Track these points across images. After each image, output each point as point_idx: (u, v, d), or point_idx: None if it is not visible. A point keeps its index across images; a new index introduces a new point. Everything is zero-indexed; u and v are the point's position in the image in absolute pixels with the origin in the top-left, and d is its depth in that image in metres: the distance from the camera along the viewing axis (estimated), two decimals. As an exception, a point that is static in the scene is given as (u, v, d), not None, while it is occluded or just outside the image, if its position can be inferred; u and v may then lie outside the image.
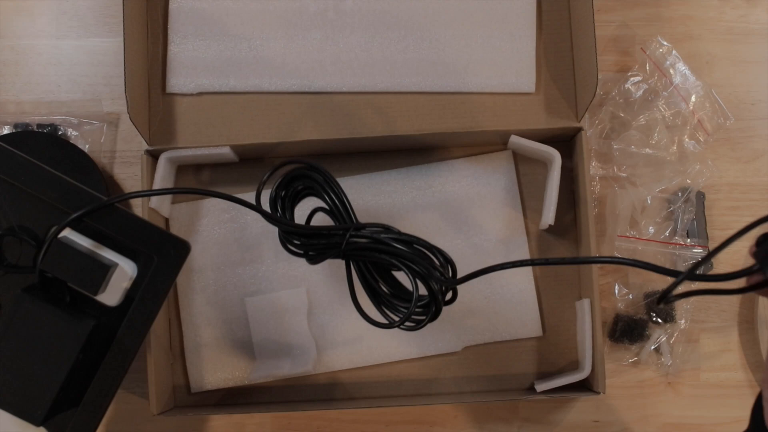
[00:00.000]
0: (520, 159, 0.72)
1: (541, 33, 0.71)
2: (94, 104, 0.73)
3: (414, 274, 0.55)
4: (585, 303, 0.67)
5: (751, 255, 0.48)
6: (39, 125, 0.71)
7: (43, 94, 0.73)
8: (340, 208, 0.59)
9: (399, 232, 0.57)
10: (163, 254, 0.48)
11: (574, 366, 0.69)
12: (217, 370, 0.70)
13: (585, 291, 0.68)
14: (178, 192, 0.67)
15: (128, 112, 0.63)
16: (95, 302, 0.47)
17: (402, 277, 0.57)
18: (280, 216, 0.59)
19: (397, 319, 0.57)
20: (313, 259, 0.60)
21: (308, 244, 0.59)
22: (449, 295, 0.57)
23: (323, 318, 0.70)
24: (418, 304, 0.56)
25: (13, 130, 0.71)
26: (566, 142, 0.71)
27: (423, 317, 0.56)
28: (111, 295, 0.48)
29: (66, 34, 0.74)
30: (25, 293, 0.45)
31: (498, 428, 0.70)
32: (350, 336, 0.70)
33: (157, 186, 0.66)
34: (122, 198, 0.50)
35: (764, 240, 0.47)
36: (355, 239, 0.57)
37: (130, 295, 0.48)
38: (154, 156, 0.68)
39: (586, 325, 0.66)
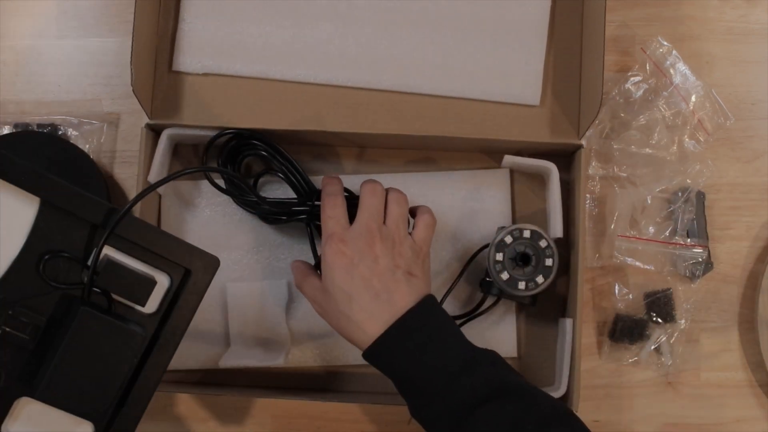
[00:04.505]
0: (519, 174, 0.72)
1: (552, 47, 0.71)
2: (94, 104, 0.73)
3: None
4: (567, 323, 0.66)
5: None
6: (39, 125, 0.71)
7: (43, 94, 0.73)
8: (296, 175, 0.67)
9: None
10: (196, 268, 0.53)
11: (550, 381, 0.69)
12: (189, 351, 0.69)
13: (570, 310, 0.67)
14: (183, 174, 0.70)
15: (131, 85, 0.63)
16: (135, 309, 0.53)
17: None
18: (258, 198, 0.66)
19: None
20: (277, 222, 0.69)
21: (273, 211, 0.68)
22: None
23: (301, 313, 0.70)
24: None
25: (13, 130, 0.71)
26: (566, 157, 0.70)
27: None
28: (150, 304, 0.53)
29: (66, 34, 0.74)
30: (87, 308, 0.50)
31: (498, 428, 0.70)
32: (326, 333, 0.70)
33: (157, 161, 0.66)
34: (138, 199, 0.54)
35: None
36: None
37: (164, 303, 0.54)
38: (154, 130, 0.68)
39: (566, 345, 0.66)
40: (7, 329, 0.50)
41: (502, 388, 0.54)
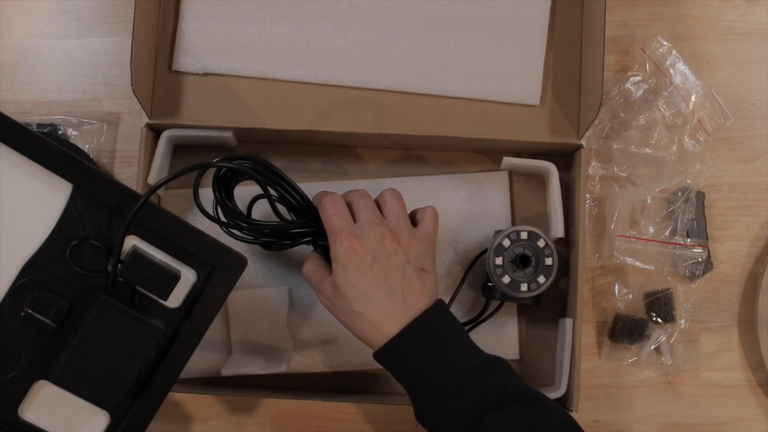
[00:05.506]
0: (518, 176, 0.72)
1: (552, 47, 0.71)
2: (94, 104, 0.73)
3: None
4: (567, 322, 0.66)
5: None
6: (39, 125, 0.71)
7: (43, 94, 0.73)
8: (296, 197, 0.61)
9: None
10: (223, 266, 0.53)
11: (551, 381, 0.69)
12: (191, 359, 0.68)
13: (570, 310, 0.68)
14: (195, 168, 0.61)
15: (131, 85, 0.63)
16: (158, 303, 0.53)
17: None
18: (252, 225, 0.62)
19: None
20: (280, 248, 0.64)
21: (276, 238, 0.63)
22: None
23: (303, 319, 0.70)
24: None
25: (13, 130, 0.71)
26: (566, 157, 0.71)
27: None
28: (174, 299, 0.53)
29: (66, 34, 0.74)
30: (108, 298, 0.50)
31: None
32: (328, 339, 0.70)
33: (156, 163, 0.66)
34: (153, 190, 0.53)
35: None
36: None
37: (188, 299, 0.53)
38: (154, 130, 0.68)
39: (566, 345, 0.66)
40: (30, 312, 0.51)
41: (515, 395, 0.54)
